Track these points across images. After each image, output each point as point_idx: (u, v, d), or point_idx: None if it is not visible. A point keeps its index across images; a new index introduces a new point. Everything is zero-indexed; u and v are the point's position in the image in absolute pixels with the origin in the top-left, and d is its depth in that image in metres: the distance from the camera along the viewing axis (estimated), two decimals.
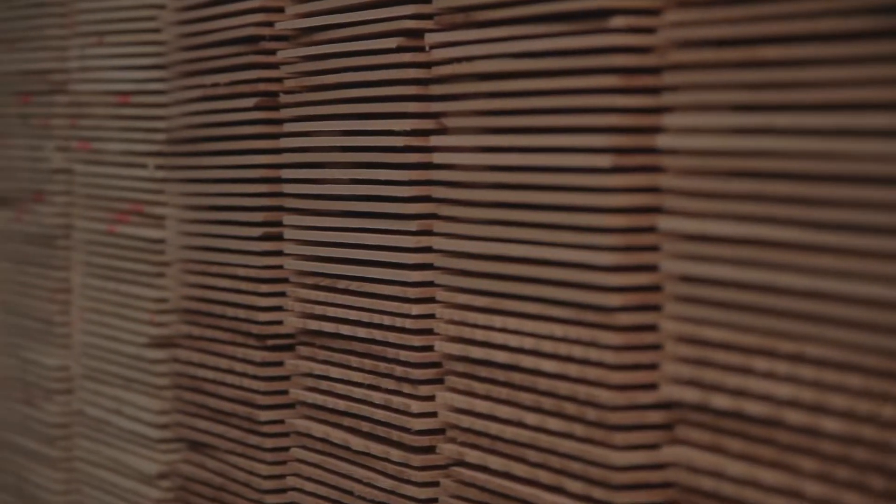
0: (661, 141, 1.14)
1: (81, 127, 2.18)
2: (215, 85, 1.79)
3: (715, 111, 1.10)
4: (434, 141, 1.41)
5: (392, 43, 1.44)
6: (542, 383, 1.25)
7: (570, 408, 1.21)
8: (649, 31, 1.17)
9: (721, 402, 1.06)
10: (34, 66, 2.26)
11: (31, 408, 2.30)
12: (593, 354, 1.19)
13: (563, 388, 1.22)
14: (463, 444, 1.36)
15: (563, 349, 1.22)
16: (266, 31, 1.70)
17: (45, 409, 2.26)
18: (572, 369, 1.21)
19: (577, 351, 1.20)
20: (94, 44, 2.11)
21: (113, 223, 2.10)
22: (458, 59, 1.36)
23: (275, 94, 1.70)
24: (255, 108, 1.71)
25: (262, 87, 1.70)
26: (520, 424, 1.28)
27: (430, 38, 1.40)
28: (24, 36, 2.29)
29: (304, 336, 1.65)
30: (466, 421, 1.35)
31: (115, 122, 2.08)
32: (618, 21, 1.16)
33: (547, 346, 1.24)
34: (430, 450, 1.43)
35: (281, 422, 1.70)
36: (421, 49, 1.42)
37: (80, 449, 2.18)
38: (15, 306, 2.36)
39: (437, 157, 1.40)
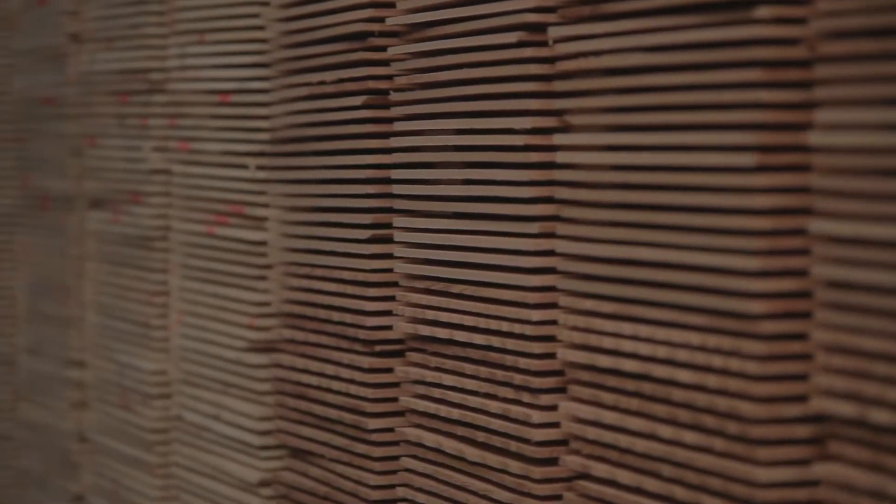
0: (812, 138, 1.08)
1: (180, 127, 2.14)
2: (322, 83, 1.74)
3: (869, 106, 1.03)
4: (557, 139, 1.35)
5: (512, 38, 1.38)
6: (677, 394, 1.18)
7: (709, 420, 1.15)
8: (797, 21, 1.10)
9: (881, 416, 1.00)
10: (132, 65, 2.23)
11: (128, 412, 2.27)
12: (734, 364, 1.12)
13: (700, 399, 1.16)
14: (589, 456, 1.30)
15: (700, 358, 1.16)
16: (375, 27, 1.64)
17: (143, 413, 2.22)
18: (711, 380, 1.15)
19: (717, 361, 1.14)
20: (194, 42, 2.07)
21: (212, 225, 2.06)
22: (585, 54, 1.30)
23: (384, 91, 1.65)
24: (364, 106, 1.66)
25: (370, 84, 1.65)
26: (652, 437, 1.22)
27: (553, 32, 1.34)
28: (122, 35, 2.25)
29: (414, 342, 1.59)
30: (592, 432, 1.29)
31: (215, 122, 2.04)
32: (763, 11, 1.10)
33: (682, 355, 1.18)
34: (551, 462, 1.36)
35: (390, 430, 1.65)
36: (543, 44, 1.36)
37: (178, 455, 2.14)
38: (111, 309, 2.33)
39: (560, 157, 1.34)
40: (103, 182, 2.35)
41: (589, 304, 1.30)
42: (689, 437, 1.17)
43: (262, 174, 1.93)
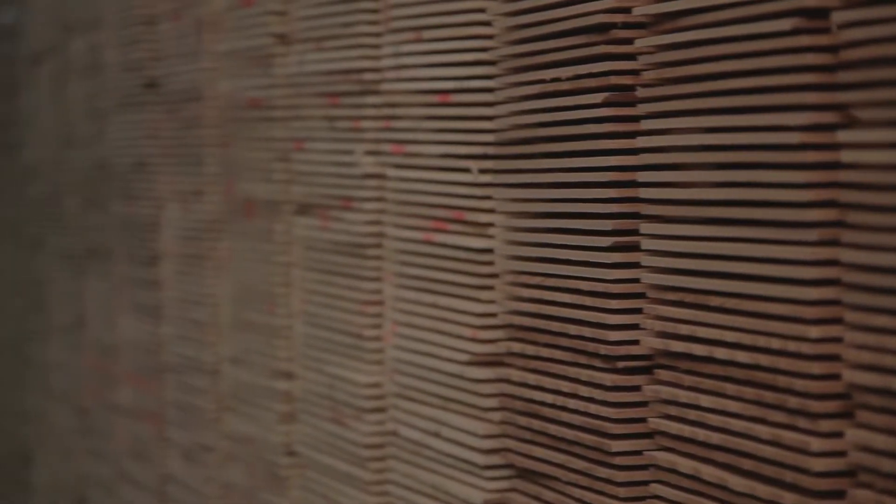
0: None
1: (395, 129, 2.04)
2: (556, 79, 1.63)
3: None
4: (841, 137, 1.21)
5: (786, 25, 1.25)
6: None
7: None
8: None
9: None
10: (343, 65, 2.14)
11: (339, 427, 2.18)
12: None
13: None
14: (883, 491, 1.17)
15: None
16: (619, 17, 1.52)
17: (356, 428, 2.13)
18: None
19: None
20: (411, 40, 1.97)
21: (429, 231, 1.96)
22: (876, 41, 1.16)
23: (628, 87, 1.53)
24: (605, 104, 1.54)
25: (612, 80, 1.53)
26: None
27: (837, 17, 1.20)
28: (333, 34, 2.17)
29: (664, 358, 1.47)
30: (888, 465, 1.15)
31: (433, 123, 1.94)
32: None
33: None
34: (835, 495, 1.23)
35: (636, 453, 1.52)
36: (824, 31, 1.23)
37: (395, 472, 2.04)
38: (321, 319, 2.24)
39: (844, 156, 1.21)
40: (311, 187, 2.27)
41: (881, 321, 1.16)
42: None
43: (485, 178, 1.83)
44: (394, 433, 2.05)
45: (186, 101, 2.71)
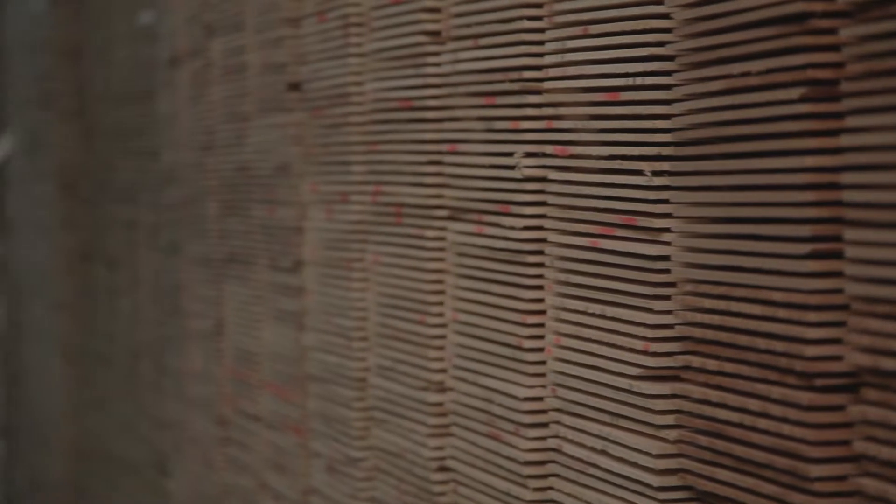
0: None
1: (558, 129, 1.94)
2: (745, 74, 1.51)
3: None
4: None
5: None
6: None
7: None
8: None
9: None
10: (502, 63, 2.04)
11: (496, 442, 2.08)
12: None
13: None
14: None
15: None
16: (818, 6, 1.41)
17: (515, 444, 2.02)
18: None
19: None
20: (577, 35, 1.87)
21: (596, 237, 1.85)
22: None
23: (828, 82, 1.41)
24: (801, 99, 1.42)
25: (810, 74, 1.41)
26: None
27: None
28: (491, 31, 2.07)
29: (872, 376, 1.35)
30: None
31: (600, 123, 1.83)
32: None
33: None
34: None
35: (839, 479, 1.40)
36: None
37: (558, 491, 1.94)
38: (476, 329, 2.14)
39: None
40: (466, 191, 2.17)
41: None
42: None
43: (660, 180, 1.71)
44: (556, 450, 1.94)
45: (332, 103, 2.62)
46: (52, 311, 4.91)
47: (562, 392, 1.92)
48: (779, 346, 1.46)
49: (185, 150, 3.52)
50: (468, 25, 2.13)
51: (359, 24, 2.50)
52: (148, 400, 3.90)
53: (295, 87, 2.80)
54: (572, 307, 1.90)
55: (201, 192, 3.42)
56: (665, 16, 1.69)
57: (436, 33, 2.24)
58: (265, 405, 3.03)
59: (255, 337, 3.08)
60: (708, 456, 1.60)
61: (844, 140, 1.37)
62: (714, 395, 1.58)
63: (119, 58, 4.09)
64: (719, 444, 1.57)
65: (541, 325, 1.99)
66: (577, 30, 1.86)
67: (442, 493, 2.25)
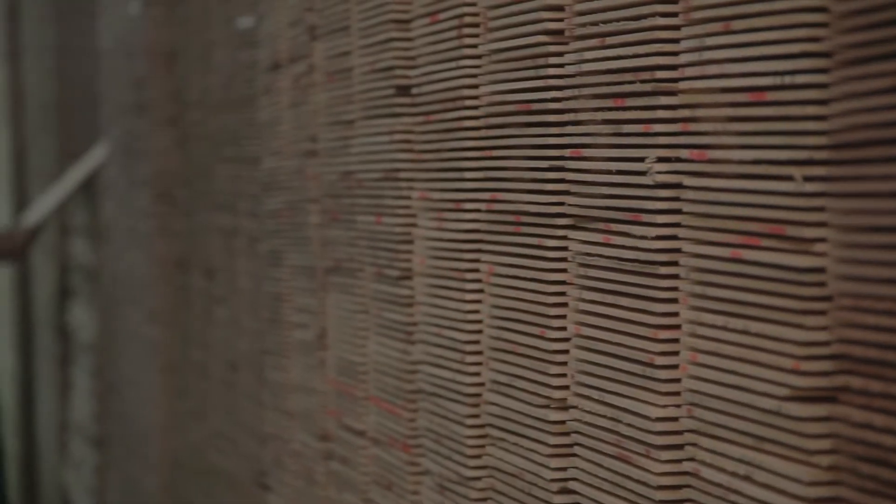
0: None
1: (694, 132, 1.82)
2: None
3: None
4: None
5: None
6: None
7: None
8: None
9: None
10: (632, 63, 1.93)
11: (625, 464, 1.96)
12: None
13: None
14: None
15: None
16: None
17: (646, 467, 1.91)
18: None
19: None
20: (718, 31, 1.75)
21: (738, 248, 1.73)
22: None
23: None
24: None
25: None
26: None
27: None
28: (620, 29, 1.95)
29: None
30: None
31: (743, 125, 1.72)
32: None
33: None
34: None
35: None
36: None
37: None
38: (601, 344, 2.03)
39: None
40: (590, 198, 2.06)
41: None
42: None
43: (811, 187, 1.59)
44: (692, 474, 1.83)
45: (444, 107, 2.52)
46: (147, 321, 4.85)
47: (698, 412, 1.81)
48: None
49: (286, 157, 3.43)
50: (594, 24, 2.02)
51: (474, 25, 2.40)
52: (246, 412, 3.81)
53: (404, 90, 2.70)
54: (710, 322, 1.78)
55: (303, 199, 3.33)
56: (820, 9, 1.57)
57: (558, 32, 2.13)
58: (370, 420, 2.93)
59: (360, 349, 2.98)
60: (871, 486, 1.48)
61: None
62: (879, 419, 1.45)
63: (217, 63, 4.01)
64: (885, 474, 1.45)
65: (674, 341, 1.88)
66: (718, 26, 1.75)
67: None
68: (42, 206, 5.97)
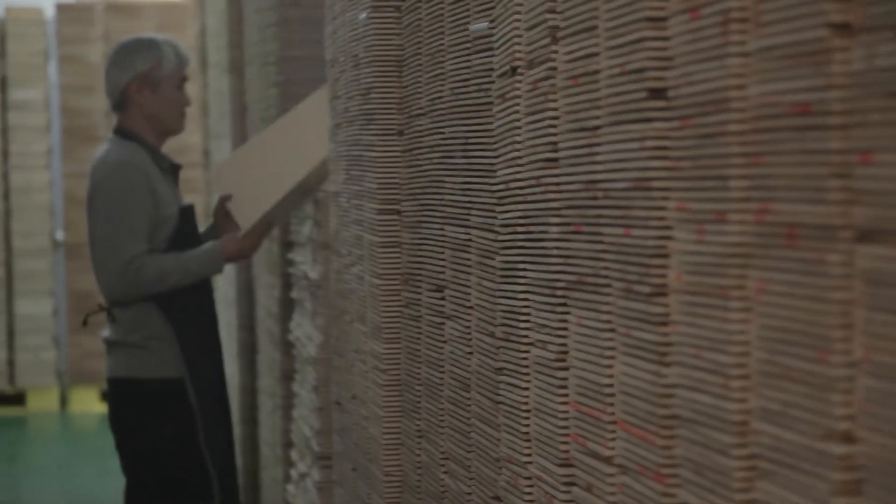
0: None
1: None
2: None
3: None
4: None
5: None
6: None
7: None
8: None
9: None
10: None
11: None
12: None
13: None
14: None
15: None
16: None
17: None
18: None
19: None
20: None
21: None
22: None
23: None
24: None
25: None
26: None
27: None
28: None
29: None
30: None
31: None
32: None
33: None
34: None
35: None
36: None
37: None
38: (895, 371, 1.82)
39: None
40: (883, 209, 1.85)
41: None
42: None
43: None
44: None
45: (705, 110, 2.32)
46: (372, 336, 4.74)
47: None
48: None
49: (523, 166, 3.27)
50: (887, 14, 1.81)
51: (742, 20, 2.20)
52: (479, 433, 3.66)
53: (657, 93, 2.51)
54: None
55: (541, 210, 3.15)
56: None
57: (844, 26, 1.92)
58: (618, 447, 2.74)
59: (605, 369, 2.80)
60: None
61: None
62: None
63: (448, 70, 3.87)
64: None
65: None
66: None
67: None
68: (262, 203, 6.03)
